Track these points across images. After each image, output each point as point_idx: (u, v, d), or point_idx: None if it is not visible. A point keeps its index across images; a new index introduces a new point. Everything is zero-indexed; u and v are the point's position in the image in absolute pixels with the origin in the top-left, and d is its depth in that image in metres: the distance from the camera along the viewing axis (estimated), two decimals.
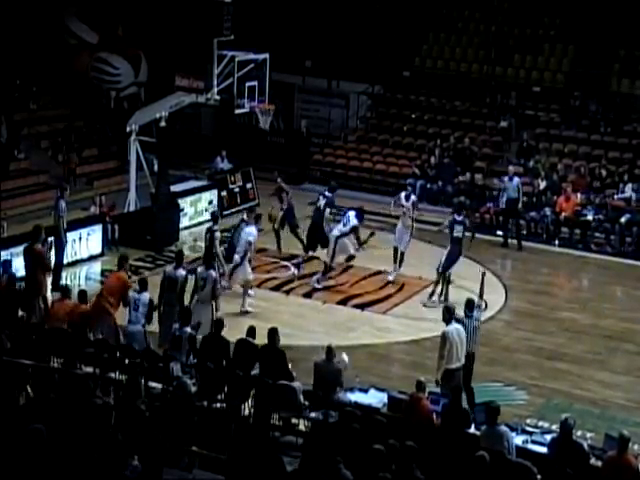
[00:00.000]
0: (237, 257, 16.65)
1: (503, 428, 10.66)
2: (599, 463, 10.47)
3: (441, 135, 26.24)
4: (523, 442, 11.10)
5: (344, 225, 17.87)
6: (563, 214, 22.02)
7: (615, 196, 22.72)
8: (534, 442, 11.17)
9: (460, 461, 9.94)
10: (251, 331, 12.62)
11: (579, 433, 11.99)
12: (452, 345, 12.38)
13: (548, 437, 11.05)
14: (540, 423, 12.27)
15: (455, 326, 12.55)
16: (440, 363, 12.43)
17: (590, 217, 21.91)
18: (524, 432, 11.42)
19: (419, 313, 16.71)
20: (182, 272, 14.32)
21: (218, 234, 16.91)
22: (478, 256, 20.04)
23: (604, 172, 23.59)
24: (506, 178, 21.93)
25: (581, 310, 17.27)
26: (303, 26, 27.97)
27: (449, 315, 12.60)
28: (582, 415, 12.92)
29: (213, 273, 14.46)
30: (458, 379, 12.43)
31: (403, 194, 18.85)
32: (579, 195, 22.57)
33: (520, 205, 21.64)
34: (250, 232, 16.66)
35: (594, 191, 22.95)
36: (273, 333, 12.33)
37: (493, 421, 10.63)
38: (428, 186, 24.43)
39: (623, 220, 21.63)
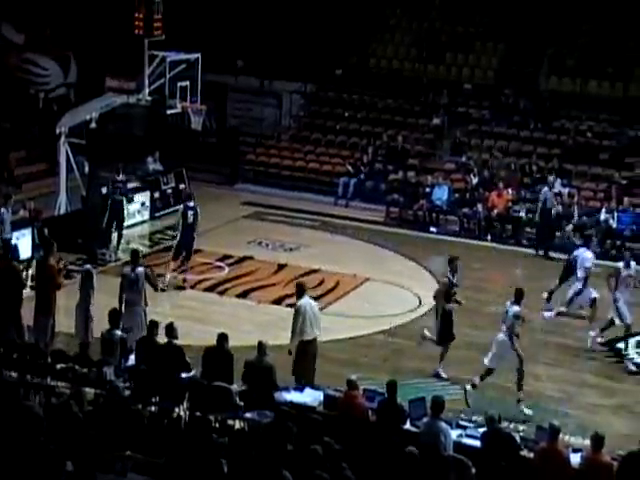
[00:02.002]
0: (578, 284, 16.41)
1: (444, 424, 10.79)
2: (532, 454, 10.64)
3: (374, 133, 26.41)
4: (458, 436, 11.22)
5: None
6: (495, 210, 22.32)
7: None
8: (468, 436, 11.29)
9: (395, 457, 10.03)
10: (169, 329, 12.42)
11: (512, 426, 12.18)
12: (305, 318, 12.94)
13: (482, 431, 11.17)
14: (474, 417, 12.36)
15: (308, 300, 13.21)
16: (293, 335, 12.99)
17: (522, 213, 22.24)
18: (459, 427, 11.52)
19: (353, 311, 16.79)
20: (140, 270, 14.20)
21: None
22: (411, 253, 20.25)
23: (534, 168, 23.99)
24: (545, 188, 21.77)
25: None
26: (234, 25, 27.87)
27: (301, 291, 13.27)
28: (514, 408, 13.12)
29: (141, 269, 14.29)
30: (313, 350, 13.00)
31: None
32: (510, 191, 22.89)
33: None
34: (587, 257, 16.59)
35: (525, 187, 23.32)
36: (222, 338, 12.23)
37: (437, 414, 10.76)
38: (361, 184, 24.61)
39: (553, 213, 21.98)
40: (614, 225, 21.28)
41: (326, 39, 27.67)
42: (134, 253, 14.80)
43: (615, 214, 21.45)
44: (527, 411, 13.29)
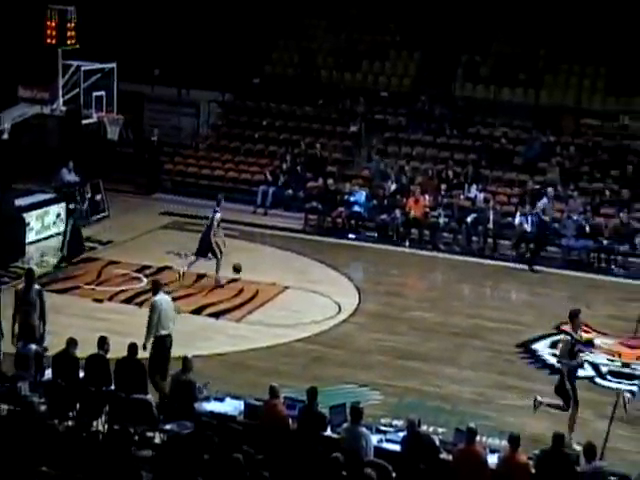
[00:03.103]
0: None
1: (364, 430, 10.87)
2: (451, 457, 10.78)
3: (292, 141, 26.48)
4: (378, 441, 11.29)
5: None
6: (412, 215, 22.56)
7: (461, 196, 23.48)
8: (388, 441, 11.38)
9: (316, 464, 10.07)
10: (101, 342, 12.39)
11: (431, 429, 12.32)
12: (160, 313, 13.18)
13: (402, 435, 11.28)
14: (394, 422, 12.48)
15: (163, 296, 13.50)
16: (149, 330, 13.19)
17: (441, 219, 22.53)
18: (379, 431, 11.61)
19: (273, 319, 16.80)
20: (37, 287, 13.90)
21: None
22: (331, 260, 20.35)
23: (451, 174, 24.34)
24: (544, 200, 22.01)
25: (431, 309, 17.74)
26: (151, 34, 27.68)
27: (156, 288, 13.60)
28: (434, 411, 13.29)
29: (37, 287, 13.99)
30: (168, 345, 13.21)
31: None
32: (427, 197, 23.17)
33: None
34: None
35: (442, 192, 23.64)
36: (133, 348, 12.23)
37: (356, 420, 10.83)
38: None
39: (469, 220, 22.37)
40: (528, 229, 21.70)
41: (243, 48, 27.65)
42: (28, 273, 14.39)
43: (529, 218, 21.87)
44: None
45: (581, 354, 13.29)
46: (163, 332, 13.24)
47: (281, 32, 29.14)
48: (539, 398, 13.05)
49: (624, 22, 26.33)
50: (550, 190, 22.49)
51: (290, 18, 29.13)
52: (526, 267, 20.64)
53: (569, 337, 12.52)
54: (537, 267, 20.63)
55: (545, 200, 22.07)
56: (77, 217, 20.80)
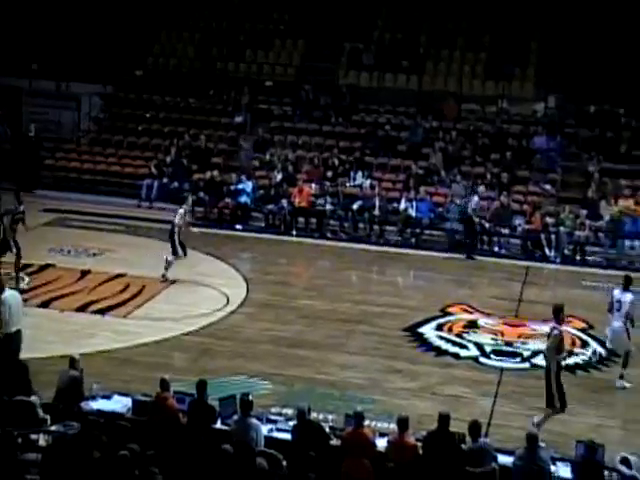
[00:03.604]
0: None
1: (254, 421, 10.86)
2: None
3: (176, 133, 26.21)
4: (269, 431, 11.31)
5: None
6: (298, 204, 22.60)
7: (347, 184, 23.67)
8: (279, 430, 11.41)
9: (206, 457, 10.03)
10: None
11: (321, 416, 12.39)
12: (10, 309, 13.00)
13: (292, 424, 11.32)
14: (284, 411, 12.50)
15: (10, 292, 13.34)
16: None
17: (328, 206, 22.67)
18: (269, 421, 11.62)
19: (160, 314, 16.62)
20: None
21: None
22: (218, 251, 20.26)
23: (336, 161, 24.50)
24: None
25: (318, 297, 17.84)
26: (27, 28, 26.97)
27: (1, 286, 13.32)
28: (324, 398, 13.34)
29: None
30: (18, 341, 13.06)
31: None
32: (313, 185, 23.28)
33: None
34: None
35: (328, 180, 23.77)
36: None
37: (246, 411, 10.81)
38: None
39: (355, 207, 22.58)
40: (413, 214, 22.04)
41: (124, 39, 27.21)
42: None
43: (414, 203, 22.21)
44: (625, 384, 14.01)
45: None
46: (12, 329, 13.01)
47: (162, 23, 28.78)
48: (535, 420, 12.27)
49: (501, 6, 26.97)
50: (482, 188, 22.78)
51: (172, 9, 28.80)
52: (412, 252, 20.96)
53: (557, 332, 12.24)
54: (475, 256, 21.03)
55: (476, 199, 22.23)
56: None
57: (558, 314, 12.37)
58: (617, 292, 14.43)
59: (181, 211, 18.52)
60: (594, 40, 25.33)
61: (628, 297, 14.20)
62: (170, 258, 18.25)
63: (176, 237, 18.23)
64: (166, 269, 18.15)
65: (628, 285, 14.42)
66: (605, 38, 25.29)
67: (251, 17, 28.70)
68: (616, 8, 25.47)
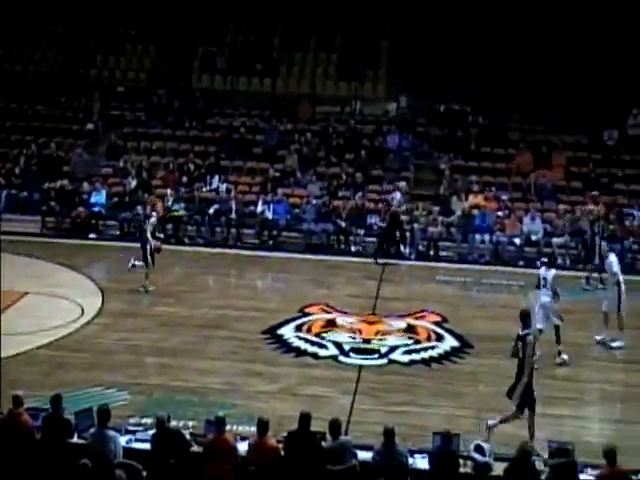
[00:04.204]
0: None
1: (111, 432, 10.66)
2: (202, 449, 10.79)
3: (25, 142, 25.46)
4: (127, 442, 11.13)
5: None
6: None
7: (203, 188, 23.54)
8: (138, 440, 11.24)
9: (63, 472, 9.81)
10: None
11: (181, 424, 12.27)
12: None
13: (151, 433, 11.17)
14: (143, 420, 12.30)
15: None
16: None
17: (182, 212, 22.47)
18: (128, 432, 11.44)
19: (13, 327, 16.06)
20: None
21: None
22: (71, 261, 19.81)
23: (192, 166, 24.32)
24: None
25: (176, 303, 17.67)
26: None
27: None
28: (183, 405, 13.20)
29: None
30: None
31: None
32: (169, 190, 23.04)
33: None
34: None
35: (183, 186, 23.56)
36: None
37: (103, 423, 10.60)
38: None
39: (212, 211, 22.49)
40: (270, 216, 22.10)
41: None
42: None
43: (270, 205, 22.27)
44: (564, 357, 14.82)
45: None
46: None
47: (7, 28, 27.94)
48: (490, 422, 12.05)
49: (351, 8, 27.35)
50: (403, 184, 22.86)
51: (16, 13, 27.97)
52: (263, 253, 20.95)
53: (531, 337, 12.25)
54: (380, 260, 21.16)
55: (398, 195, 22.29)
56: None
57: (526, 319, 12.51)
58: (543, 270, 15.44)
59: (153, 220, 18.45)
60: (442, 40, 26.02)
61: (552, 273, 15.30)
62: (137, 263, 18.29)
63: (148, 247, 18.17)
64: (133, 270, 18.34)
65: (551, 263, 15.85)
66: (453, 38, 26.01)
67: (101, 22, 28.17)
68: (463, 9, 26.20)
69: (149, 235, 18.33)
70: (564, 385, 14.26)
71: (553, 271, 15.45)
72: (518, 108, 25.47)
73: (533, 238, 21.91)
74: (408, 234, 21.89)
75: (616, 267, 16.15)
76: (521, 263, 21.58)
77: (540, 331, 14.94)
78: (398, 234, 21.64)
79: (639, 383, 14.75)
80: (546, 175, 24.22)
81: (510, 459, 10.38)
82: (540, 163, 24.57)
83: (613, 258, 16.44)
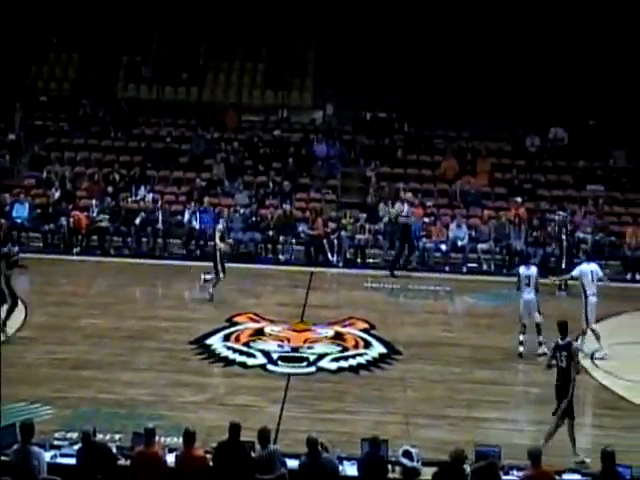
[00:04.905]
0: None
1: (35, 448, 10.47)
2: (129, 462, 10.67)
3: None
4: (52, 457, 10.96)
5: None
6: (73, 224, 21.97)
7: (129, 199, 23.30)
8: (63, 455, 11.09)
9: None
10: None
11: (108, 437, 12.11)
12: None
13: (77, 447, 11.01)
14: (69, 435, 12.11)
15: None
16: None
17: (105, 223, 22.20)
18: (53, 447, 11.27)
19: None
20: None
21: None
22: None
23: (117, 176, 24.07)
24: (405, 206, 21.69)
25: (102, 315, 17.44)
26: None
27: None
28: (110, 418, 13.02)
29: None
30: None
31: None
32: (94, 201, 22.75)
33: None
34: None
35: (109, 196, 23.28)
36: None
37: (27, 439, 10.41)
38: None
39: (137, 221, 22.27)
40: (197, 226, 21.98)
41: None
42: None
43: (197, 215, 22.16)
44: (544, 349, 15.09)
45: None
46: None
47: None
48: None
49: (278, 17, 27.40)
50: (409, 195, 22.51)
51: None
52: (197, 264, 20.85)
53: (576, 345, 12.43)
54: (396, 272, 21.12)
55: (404, 206, 21.83)
56: None
57: (565, 328, 12.40)
58: (523, 269, 16.03)
59: (220, 226, 18.84)
60: (368, 50, 26.25)
61: (534, 270, 15.93)
62: (208, 277, 18.36)
63: (218, 255, 18.25)
64: (206, 285, 18.45)
65: (528, 261, 16.89)
66: (378, 48, 26.25)
67: (22, 31, 27.71)
68: (388, 19, 26.44)
69: (218, 240, 18.45)
70: (490, 389, 14.45)
71: (533, 268, 16.03)
72: (443, 116, 25.78)
73: (459, 244, 22.18)
74: (335, 242, 21.96)
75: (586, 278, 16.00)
76: (447, 269, 21.86)
77: (524, 326, 15.70)
78: (407, 245, 21.52)
79: None
80: (471, 181, 24.56)
81: (439, 463, 10.49)
82: (465, 170, 24.92)
83: (585, 267, 16.33)
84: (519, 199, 22.81)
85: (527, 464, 10.17)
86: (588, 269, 16.09)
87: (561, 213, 21.82)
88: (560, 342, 12.23)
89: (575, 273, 16.38)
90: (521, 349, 15.73)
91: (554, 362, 12.24)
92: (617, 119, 25.35)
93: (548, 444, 11.71)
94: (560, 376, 12.08)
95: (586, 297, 15.81)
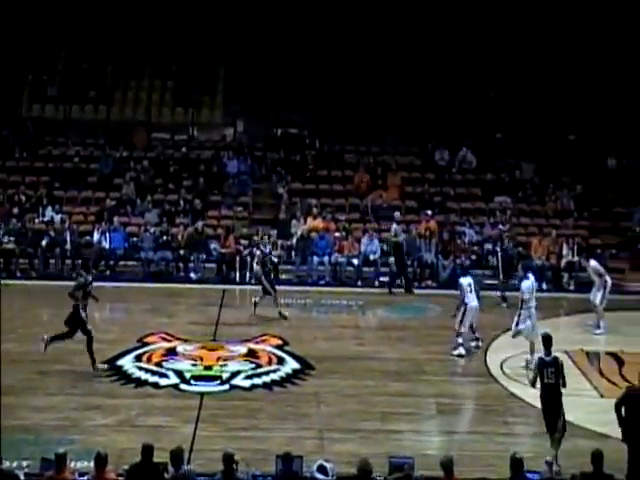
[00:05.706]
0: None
1: None
2: None
3: None
4: None
5: None
6: None
7: (36, 220, 22.86)
8: None
9: None
10: None
11: (15, 464, 11.81)
12: None
13: None
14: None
15: None
16: None
17: (11, 245, 21.74)
18: None
19: None
20: None
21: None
22: None
23: (23, 197, 23.59)
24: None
25: (10, 339, 16.92)
26: None
27: None
28: (17, 445, 12.65)
29: None
30: None
31: None
32: None
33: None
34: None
35: (14, 217, 22.78)
36: None
37: None
38: None
39: (44, 243, 21.86)
40: (107, 245, 21.69)
41: None
42: None
43: (107, 235, 21.86)
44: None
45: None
46: None
47: None
48: (548, 459, 11.80)
49: (186, 35, 27.24)
50: (397, 214, 22.60)
51: None
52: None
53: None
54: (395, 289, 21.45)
55: (394, 225, 21.91)
56: None
57: (550, 343, 12.27)
58: (462, 279, 16.85)
59: (259, 253, 19.47)
60: (277, 67, 26.32)
61: (470, 278, 16.90)
62: (259, 300, 18.73)
63: (263, 278, 18.72)
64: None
65: (465, 271, 18.26)
66: (287, 65, 26.33)
67: None
68: (297, 38, 26.51)
69: (255, 265, 19.56)
70: (402, 401, 14.56)
71: (469, 277, 16.94)
72: (353, 131, 25.99)
73: (371, 258, 22.34)
74: (248, 259, 21.88)
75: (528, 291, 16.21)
76: (359, 283, 22.00)
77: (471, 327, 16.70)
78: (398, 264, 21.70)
79: (470, 395, 15.45)
80: (382, 196, 24.79)
81: (351, 478, 10.51)
82: (376, 184, 25.12)
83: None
84: (429, 212, 23.09)
85: (440, 475, 10.26)
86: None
87: (500, 227, 22.25)
88: (545, 358, 12.03)
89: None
90: (473, 344, 16.81)
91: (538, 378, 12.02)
92: (524, 132, 25.91)
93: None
94: (548, 393, 11.92)
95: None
